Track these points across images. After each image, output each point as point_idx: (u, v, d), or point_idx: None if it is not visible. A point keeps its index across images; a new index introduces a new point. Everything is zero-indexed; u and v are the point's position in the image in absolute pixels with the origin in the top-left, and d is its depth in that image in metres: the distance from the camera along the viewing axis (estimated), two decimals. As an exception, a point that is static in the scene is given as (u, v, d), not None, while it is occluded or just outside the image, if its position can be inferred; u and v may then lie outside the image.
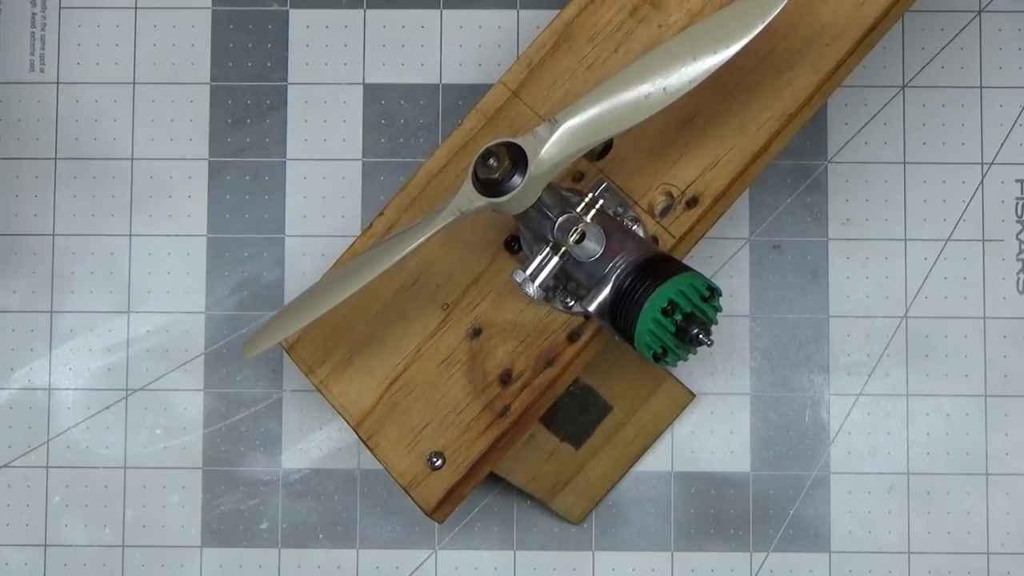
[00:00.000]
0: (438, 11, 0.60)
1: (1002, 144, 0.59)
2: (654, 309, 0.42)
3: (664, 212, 0.47)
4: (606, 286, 0.43)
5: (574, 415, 0.54)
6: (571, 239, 0.43)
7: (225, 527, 0.58)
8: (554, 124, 0.43)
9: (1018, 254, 0.59)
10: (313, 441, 0.58)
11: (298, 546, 0.58)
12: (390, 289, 0.49)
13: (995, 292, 0.59)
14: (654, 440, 0.58)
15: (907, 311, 0.59)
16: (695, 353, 0.43)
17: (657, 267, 0.43)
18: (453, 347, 0.48)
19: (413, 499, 0.47)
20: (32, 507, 0.58)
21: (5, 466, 0.58)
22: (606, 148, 0.48)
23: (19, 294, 0.59)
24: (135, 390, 0.59)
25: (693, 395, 0.58)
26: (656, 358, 0.42)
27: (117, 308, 0.59)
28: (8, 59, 0.60)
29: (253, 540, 0.58)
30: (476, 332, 0.48)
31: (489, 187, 0.42)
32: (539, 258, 0.44)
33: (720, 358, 0.59)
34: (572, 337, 0.47)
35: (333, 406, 0.48)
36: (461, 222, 0.43)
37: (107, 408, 0.59)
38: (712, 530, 0.58)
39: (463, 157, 0.49)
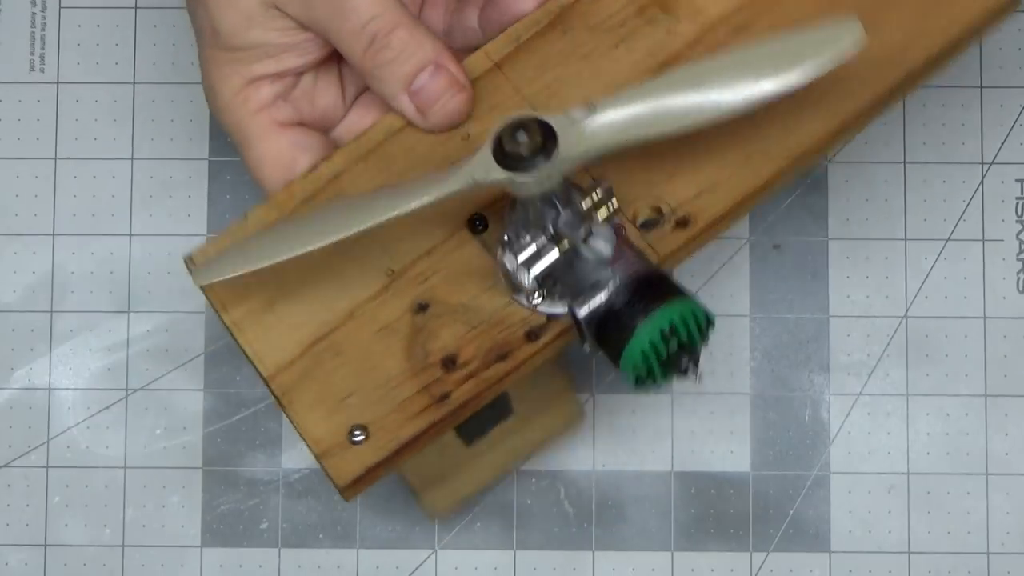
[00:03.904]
0: (438, 11, 0.60)
1: (1002, 144, 0.59)
2: (653, 330, 0.40)
3: (648, 225, 0.45)
4: (600, 292, 0.41)
5: (477, 412, 0.53)
6: (581, 235, 0.41)
7: (225, 527, 0.58)
8: (592, 109, 0.41)
9: (1018, 254, 0.59)
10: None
11: (298, 546, 0.58)
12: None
13: (995, 292, 0.59)
14: (530, 454, 0.57)
15: (907, 311, 0.59)
16: (670, 384, 0.42)
17: (659, 285, 0.41)
18: (393, 318, 0.44)
19: (325, 470, 0.43)
20: (32, 507, 0.58)
21: (5, 466, 0.58)
22: None
23: (19, 294, 0.59)
24: (135, 390, 0.59)
25: (583, 416, 0.57)
26: (638, 380, 0.40)
27: (117, 308, 0.59)
28: (8, 59, 0.60)
29: (253, 540, 0.58)
30: (422, 307, 0.44)
31: (506, 161, 0.40)
32: (534, 246, 0.42)
33: (720, 358, 0.59)
34: (531, 336, 0.44)
35: (244, 351, 0.45)
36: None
37: (107, 408, 0.59)
38: (712, 530, 0.58)
39: None
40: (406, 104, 0.45)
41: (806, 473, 0.58)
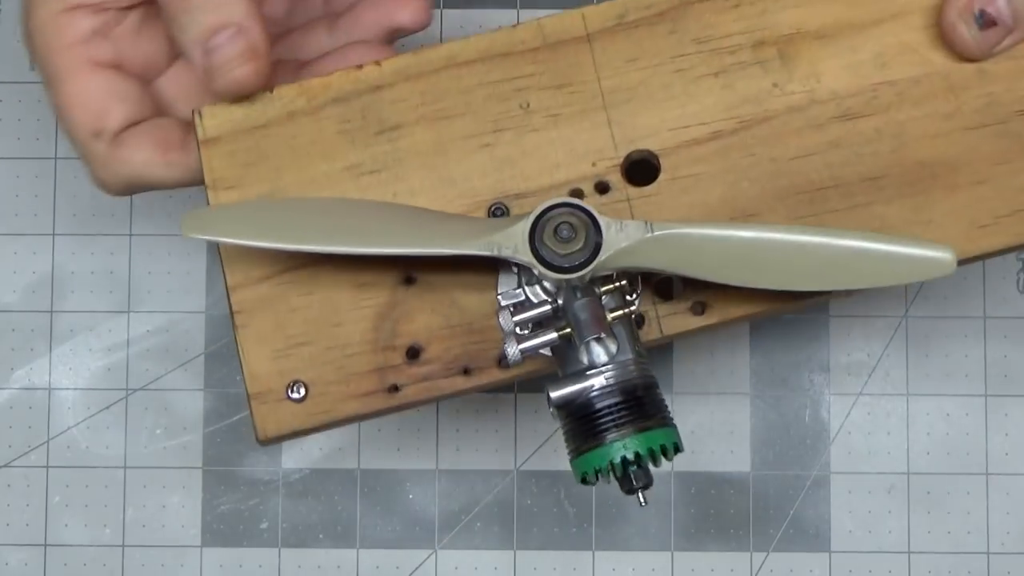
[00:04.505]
0: (438, 11, 0.60)
1: (1002, 144, 0.59)
2: (622, 451, 0.38)
3: (664, 291, 0.42)
4: (581, 383, 0.38)
5: None
6: (588, 334, 0.38)
7: (225, 527, 0.58)
8: (648, 229, 0.39)
9: (1018, 254, 0.59)
10: (313, 441, 0.58)
11: (298, 546, 0.58)
12: (342, 161, 0.42)
13: (995, 292, 0.59)
14: None
15: (907, 311, 0.59)
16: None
17: (648, 402, 0.39)
18: (376, 280, 0.42)
19: (251, 411, 0.41)
20: (32, 507, 0.58)
21: (5, 466, 0.58)
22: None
23: (19, 294, 0.59)
24: (135, 390, 0.59)
25: None
26: (584, 480, 0.39)
27: (117, 308, 0.59)
28: (8, 59, 0.60)
29: (253, 540, 0.58)
30: (409, 280, 0.42)
31: (539, 248, 0.38)
32: (535, 312, 0.39)
33: (720, 358, 0.59)
34: (502, 362, 0.42)
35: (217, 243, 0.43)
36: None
37: (107, 408, 0.59)
38: (712, 530, 0.58)
39: (499, 67, 0.43)
40: (198, 59, 0.41)
41: (806, 473, 0.58)
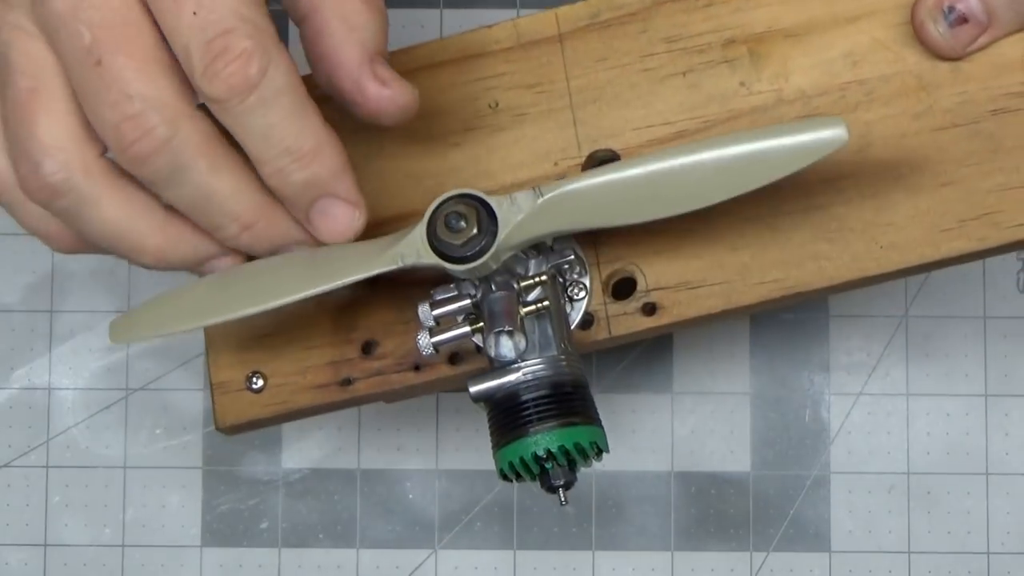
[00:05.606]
0: (438, 11, 0.60)
1: (1002, 144, 0.59)
2: (538, 446, 0.37)
3: (620, 294, 0.41)
4: (499, 378, 0.38)
5: None
6: (501, 326, 0.38)
7: (225, 527, 0.58)
8: (538, 194, 0.38)
9: (1018, 254, 0.59)
10: (313, 441, 0.58)
11: (298, 546, 0.58)
12: None
13: (995, 292, 0.59)
14: None
15: (907, 311, 0.59)
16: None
17: (572, 399, 0.38)
18: None
19: (213, 401, 0.42)
20: (32, 507, 0.58)
21: (5, 466, 0.58)
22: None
23: (19, 294, 0.59)
24: (135, 390, 0.59)
25: None
26: (504, 476, 0.38)
27: (117, 308, 0.59)
28: (8, 59, 0.60)
29: (253, 540, 0.58)
30: None
31: (440, 245, 0.38)
32: (454, 305, 0.39)
33: (720, 358, 0.58)
34: (453, 359, 0.42)
35: None
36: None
37: (107, 408, 0.59)
38: (712, 530, 0.58)
39: (473, 67, 0.43)
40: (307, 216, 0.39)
41: (806, 473, 0.58)
